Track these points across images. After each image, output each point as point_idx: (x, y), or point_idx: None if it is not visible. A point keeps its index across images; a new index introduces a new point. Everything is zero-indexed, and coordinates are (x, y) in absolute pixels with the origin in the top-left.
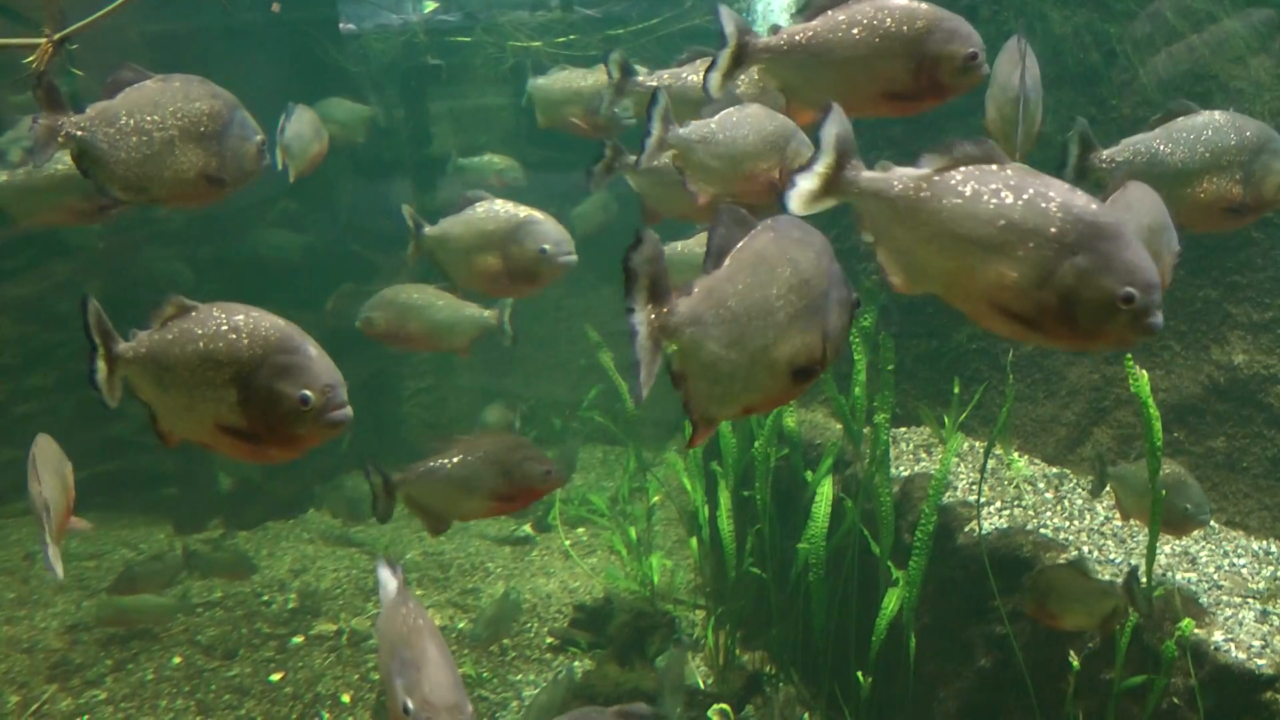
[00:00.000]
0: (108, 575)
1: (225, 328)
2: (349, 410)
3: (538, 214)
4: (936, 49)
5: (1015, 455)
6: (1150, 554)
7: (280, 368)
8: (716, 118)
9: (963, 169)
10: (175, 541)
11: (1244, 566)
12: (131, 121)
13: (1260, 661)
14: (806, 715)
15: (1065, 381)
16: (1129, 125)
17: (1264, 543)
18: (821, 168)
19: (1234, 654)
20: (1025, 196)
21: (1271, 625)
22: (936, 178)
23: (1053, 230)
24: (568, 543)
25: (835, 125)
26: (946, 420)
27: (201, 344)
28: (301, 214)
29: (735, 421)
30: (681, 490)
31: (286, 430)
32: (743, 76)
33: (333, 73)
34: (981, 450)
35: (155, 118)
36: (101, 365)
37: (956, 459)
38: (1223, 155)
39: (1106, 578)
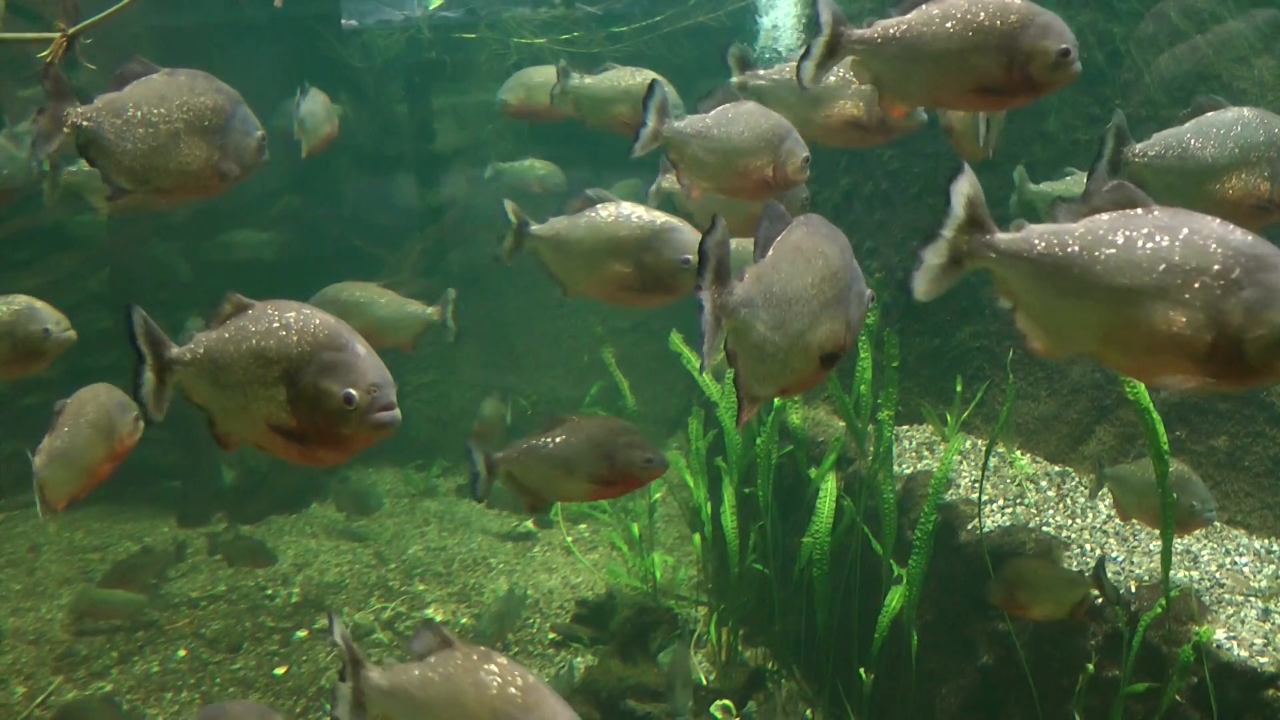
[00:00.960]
0: None
1: (276, 324)
2: (397, 413)
3: (675, 220)
4: (1029, 44)
5: (1018, 453)
6: (1165, 557)
7: (327, 365)
8: (712, 113)
9: (1106, 217)
10: (180, 534)
11: (1246, 565)
12: (138, 113)
13: (1262, 659)
14: (809, 711)
15: (1067, 380)
16: (1132, 125)
17: (1265, 541)
18: (949, 233)
19: (1236, 652)
20: (1181, 236)
21: (1273, 624)
22: (1082, 230)
23: (1216, 267)
24: (569, 539)
25: (965, 184)
26: (949, 418)
27: (254, 341)
28: (303, 209)
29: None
30: (683, 486)
31: (332, 430)
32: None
33: (335, 68)
34: (984, 448)
35: (161, 110)
36: (150, 376)
37: (959, 457)
38: (1251, 151)
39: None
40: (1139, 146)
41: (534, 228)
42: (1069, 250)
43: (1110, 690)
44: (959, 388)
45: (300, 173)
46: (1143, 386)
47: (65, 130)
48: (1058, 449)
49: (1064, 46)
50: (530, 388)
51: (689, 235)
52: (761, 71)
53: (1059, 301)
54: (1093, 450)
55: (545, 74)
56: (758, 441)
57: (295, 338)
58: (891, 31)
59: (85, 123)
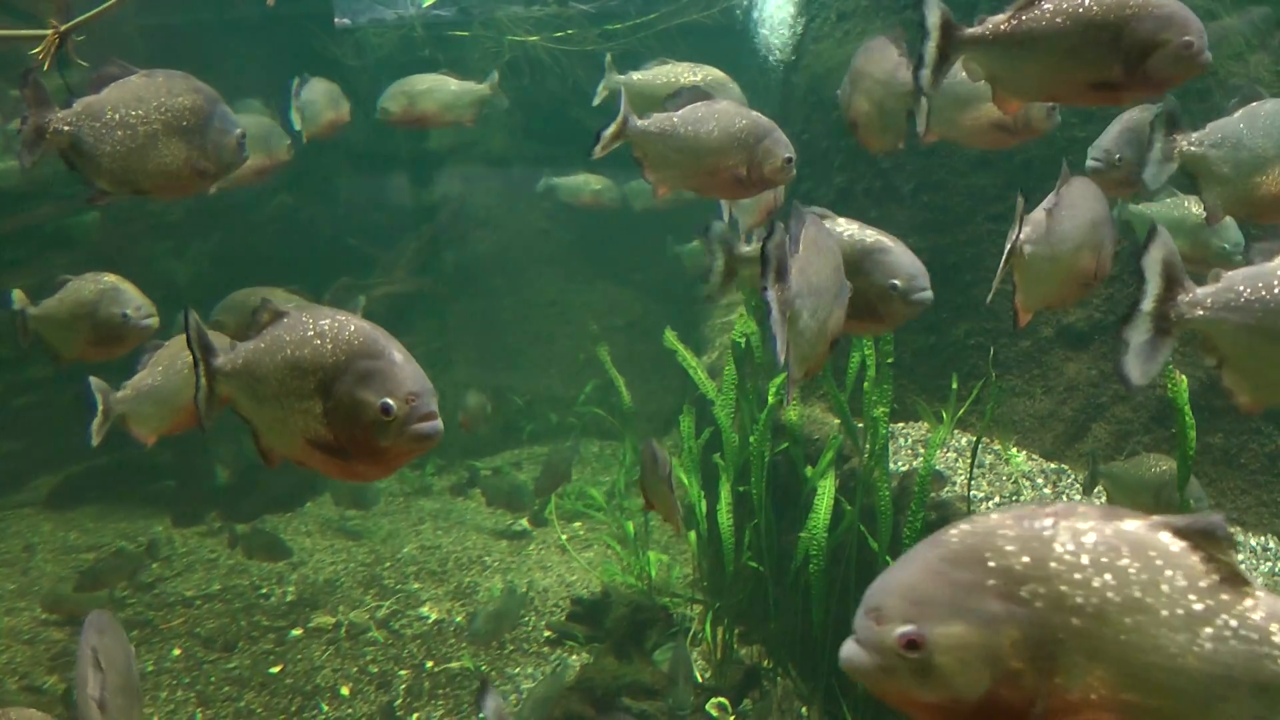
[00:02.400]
0: None
1: (310, 333)
2: (438, 423)
3: (887, 239)
4: (1146, 38)
5: (1014, 450)
6: None
7: (362, 374)
8: (680, 111)
9: None
10: (174, 534)
11: (1242, 562)
12: (116, 116)
13: None
14: (804, 709)
15: (1063, 377)
16: None
17: (1262, 538)
18: (1149, 304)
19: None
20: None
21: None
22: None
23: None
24: (564, 537)
25: (1159, 249)
26: (945, 415)
27: (289, 351)
28: (297, 208)
29: (734, 416)
30: (678, 484)
31: (371, 442)
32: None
33: (329, 67)
34: (982, 446)
35: (139, 112)
36: (203, 382)
37: (955, 454)
38: None
39: None
40: (1196, 135)
41: (745, 250)
42: (1276, 290)
43: None
44: (955, 385)
45: (294, 171)
46: (1184, 387)
47: (48, 136)
48: (1054, 446)
49: (1186, 39)
50: (525, 386)
51: (900, 256)
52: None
53: (1270, 347)
54: (1088, 447)
55: (428, 82)
56: (751, 439)
57: (330, 346)
58: (1002, 28)
59: (65, 128)
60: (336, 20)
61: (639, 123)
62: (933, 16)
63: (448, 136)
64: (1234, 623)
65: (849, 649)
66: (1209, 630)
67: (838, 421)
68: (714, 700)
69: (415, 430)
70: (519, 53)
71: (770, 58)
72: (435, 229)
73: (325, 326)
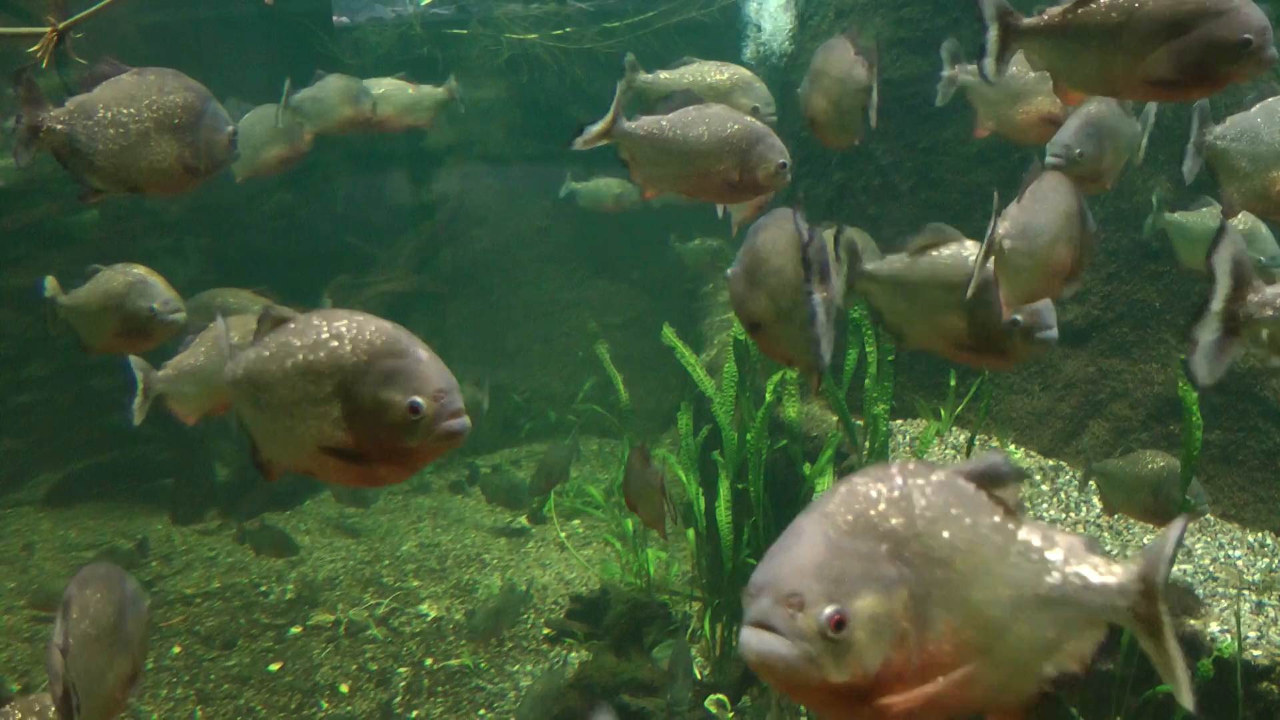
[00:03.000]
0: None
1: (326, 335)
2: (466, 420)
3: None
4: (1204, 34)
5: (1012, 447)
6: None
7: (387, 374)
8: (670, 115)
9: None
10: (174, 532)
11: (1239, 558)
12: (108, 114)
13: (1256, 653)
14: (802, 705)
15: (1061, 374)
16: None
17: (1259, 535)
18: (1218, 304)
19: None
20: None
21: (1266, 617)
22: None
23: None
24: (563, 534)
25: (1229, 248)
26: (943, 412)
27: (301, 355)
28: (296, 206)
29: (733, 413)
30: (675, 482)
31: (397, 444)
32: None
33: (327, 65)
34: (980, 443)
35: (131, 110)
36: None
37: (953, 451)
38: None
39: None
40: (1218, 129)
41: (869, 266)
42: None
43: (1106, 684)
44: (953, 382)
45: (293, 170)
46: (1192, 390)
47: (41, 135)
48: (1051, 443)
49: (1245, 36)
50: (524, 384)
51: None
52: (970, 67)
53: None
54: (1086, 444)
55: (384, 86)
56: (749, 436)
57: (349, 347)
58: (1057, 19)
59: (59, 126)
60: (335, 18)
61: (627, 124)
62: (988, 8)
63: (446, 135)
64: (1020, 548)
65: (764, 642)
66: (1008, 559)
67: (836, 419)
68: (713, 697)
69: (444, 428)
70: (517, 51)
71: (767, 55)
72: (434, 227)
73: (342, 328)
